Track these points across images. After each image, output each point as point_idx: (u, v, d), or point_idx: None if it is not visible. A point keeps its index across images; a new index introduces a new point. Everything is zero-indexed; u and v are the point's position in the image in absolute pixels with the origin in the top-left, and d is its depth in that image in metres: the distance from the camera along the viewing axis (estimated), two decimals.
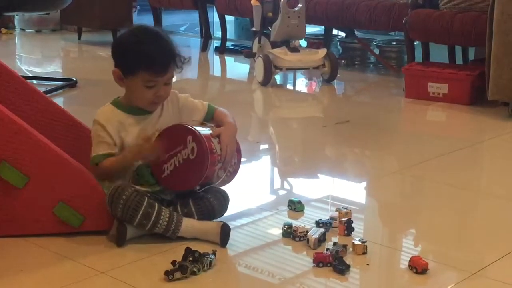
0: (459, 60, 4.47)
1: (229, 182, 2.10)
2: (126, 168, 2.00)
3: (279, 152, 3.12)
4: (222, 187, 2.09)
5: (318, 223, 2.08)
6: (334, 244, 1.92)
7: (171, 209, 1.95)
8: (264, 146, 3.15)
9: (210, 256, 1.81)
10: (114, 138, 1.99)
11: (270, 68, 4.17)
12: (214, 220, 2.02)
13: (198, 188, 2.02)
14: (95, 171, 2.01)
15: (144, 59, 1.96)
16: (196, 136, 1.95)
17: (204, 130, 2.00)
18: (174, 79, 2.05)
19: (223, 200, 2.06)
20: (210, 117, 2.11)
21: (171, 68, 2.00)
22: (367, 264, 1.87)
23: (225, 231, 1.93)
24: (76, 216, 1.95)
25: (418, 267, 1.80)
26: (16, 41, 6.35)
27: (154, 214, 1.90)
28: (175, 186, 1.99)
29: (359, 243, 1.92)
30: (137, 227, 1.91)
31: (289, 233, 2.01)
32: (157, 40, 2.00)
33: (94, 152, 2.01)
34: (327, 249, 1.89)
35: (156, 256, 1.87)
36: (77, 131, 2.31)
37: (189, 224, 1.94)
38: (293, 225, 2.02)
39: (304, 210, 2.24)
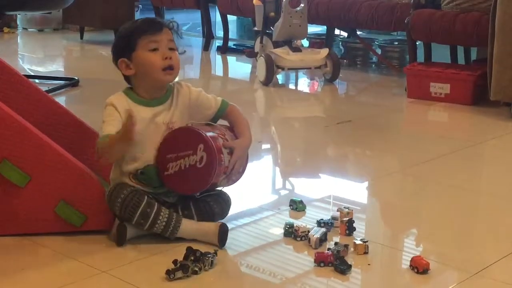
0: (461, 60, 4.47)
1: (229, 185, 2.09)
2: (119, 151, 1.92)
3: (281, 151, 3.12)
4: (224, 190, 2.09)
5: (319, 223, 2.08)
6: (336, 243, 1.92)
7: (171, 210, 1.95)
8: (265, 146, 3.15)
9: (212, 255, 1.81)
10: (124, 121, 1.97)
11: (272, 67, 4.18)
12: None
13: (197, 194, 2.02)
14: (97, 150, 1.93)
15: (139, 26, 2.01)
16: (208, 146, 1.92)
17: (216, 139, 1.96)
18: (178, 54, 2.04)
19: (224, 204, 2.05)
20: (222, 114, 2.08)
21: (166, 28, 2.01)
22: (369, 264, 1.87)
23: (223, 232, 1.93)
24: (77, 215, 1.95)
25: (419, 267, 1.80)
26: (18, 40, 6.36)
27: (153, 214, 1.89)
28: (175, 187, 1.98)
29: (361, 243, 1.92)
30: (135, 226, 1.91)
31: (291, 232, 2.01)
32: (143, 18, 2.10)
33: (105, 131, 1.92)
34: (329, 249, 1.90)
35: (157, 255, 1.87)
36: (79, 130, 2.31)
37: (188, 225, 1.94)
38: (295, 225, 2.02)
39: (305, 210, 2.24)
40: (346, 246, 1.90)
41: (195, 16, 6.33)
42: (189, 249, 1.82)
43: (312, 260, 1.85)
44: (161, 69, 1.98)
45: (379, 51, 5.09)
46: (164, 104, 2.02)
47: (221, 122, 2.10)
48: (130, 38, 1.99)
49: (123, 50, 2.00)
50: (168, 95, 2.04)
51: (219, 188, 2.06)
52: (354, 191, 2.57)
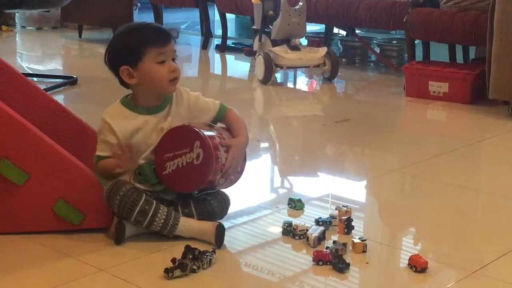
0: (459, 59, 4.47)
1: (228, 187, 2.09)
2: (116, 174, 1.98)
3: (279, 150, 3.12)
4: (223, 189, 2.09)
5: (318, 222, 2.08)
6: (334, 242, 1.92)
7: (170, 208, 1.95)
8: (264, 145, 3.15)
9: (210, 254, 1.81)
10: (120, 138, 1.97)
11: (270, 66, 4.18)
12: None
13: (196, 192, 2.02)
14: (96, 169, 2.01)
15: (148, 36, 1.98)
16: (204, 143, 1.93)
17: (213, 137, 1.97)
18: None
19: (224, 203, 2.05)
20: (221, 118, 2.09)
21: (172, 38, 2.01)
22: (367, 263, 1.87)
23: (220, 231, 1.92)
24: (76, 214, 1.95)
25: (417, 266, 1.80)
26: (17, 39, 6.35)
27: (151, 211, 1.89)
28: (174, 186, 1.98)
29: (359, 241, 1.92)
30: (134, 223, 1.91)
31: (289, 231, 2.01)
32: (145, 22, 2.05)
33: (97, 151, 2.00)
34: (327, 248, 1.90)
35: (155, 254, 1.87)
36: (77, 128, 2.31)
37: (186, 224, 1.93)
38: (293, 223, 2.02)
39: (304, 209, 2.24)
40: (344, 244, 1.90)
41: (194, 15, 6.33)
42: (187, 248, 1.82)
43: (311, 258, 1.85)
44: (168, 81, 1.99)
45: (377, 49, 5.09)
46: (163, 111, 2.02)
47: (219, 125, 2.10)
48: (137, 48, 1.96)
49: (127, 58, 1.98)
50: (167, 102, 2.04)
51: (217, 188, 2.06)
52: (353, 189, 2.58)
